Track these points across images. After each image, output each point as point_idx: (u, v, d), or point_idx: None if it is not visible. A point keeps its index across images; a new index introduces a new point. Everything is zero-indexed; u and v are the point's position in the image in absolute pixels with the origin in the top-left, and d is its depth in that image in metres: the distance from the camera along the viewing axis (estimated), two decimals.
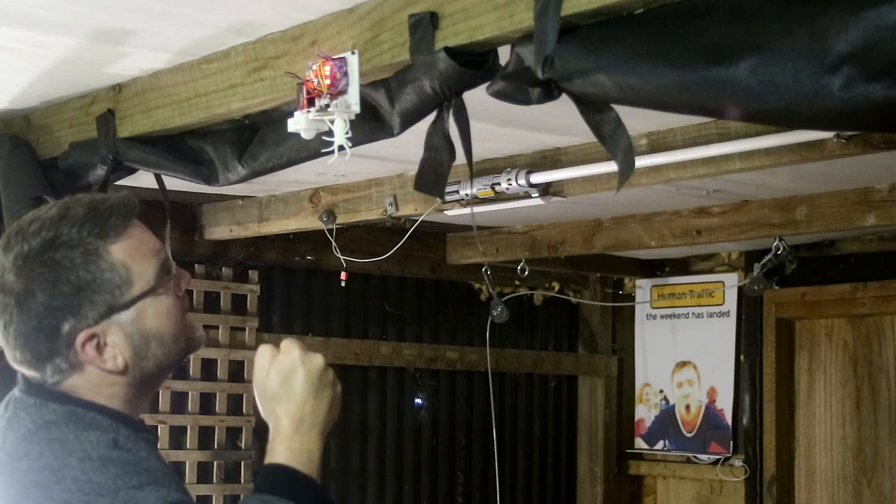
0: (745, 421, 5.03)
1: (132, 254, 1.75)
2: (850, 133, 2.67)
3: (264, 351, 1.75)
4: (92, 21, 2.27)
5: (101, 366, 1.73)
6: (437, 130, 2.02)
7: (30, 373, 1.76)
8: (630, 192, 3.52)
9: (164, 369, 1.82)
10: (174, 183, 2.89)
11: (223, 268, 4.45)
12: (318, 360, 1.74)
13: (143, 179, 2.99)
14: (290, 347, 1.73)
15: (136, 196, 1.84)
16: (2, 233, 1.81)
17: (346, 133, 1.97)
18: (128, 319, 1.73)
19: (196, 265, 4.38)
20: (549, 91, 1.82)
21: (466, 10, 1.88)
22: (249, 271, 4.50)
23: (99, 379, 1.74)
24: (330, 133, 1.98)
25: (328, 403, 1.73)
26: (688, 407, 5.28)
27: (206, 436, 4.38)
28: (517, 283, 5.13)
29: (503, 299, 5.01)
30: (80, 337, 1.71)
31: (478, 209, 3.48)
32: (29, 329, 1.71)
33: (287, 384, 1.71)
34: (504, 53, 1.90)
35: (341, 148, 1.98)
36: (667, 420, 5.36)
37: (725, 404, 5.13)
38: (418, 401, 5.03)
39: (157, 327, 1.76)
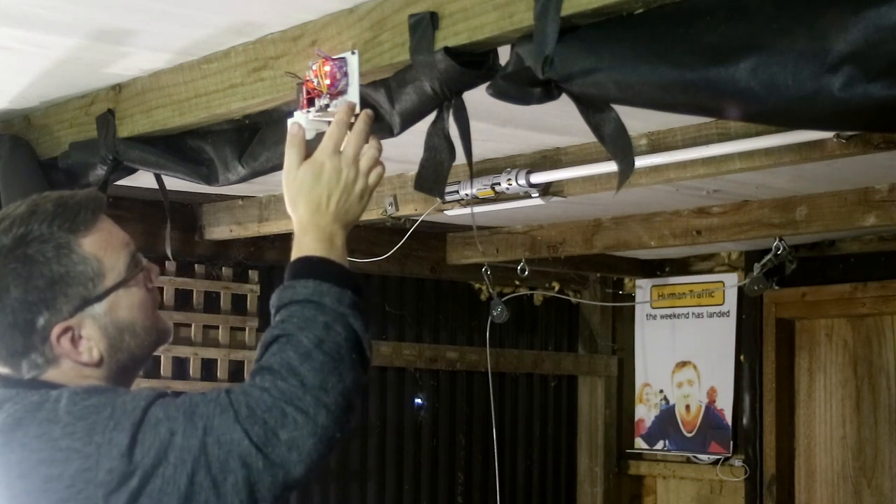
0: (745, 421, 5.03)
1: (103, 246, 1.77)
2: (850, 133, 2.67)
3: (296, 143, 1.82)
4: (92, 21, 2.27)
5: (76, 358, 1.75)
6: (437, 130, 2.02)
7: (5, 370, 1.77)
8: (630, 192, 3.52)
9: (138, 361, 1.84)
10: (174, 183, 2.89)
11: (223, 268, 4.45)
12: (347, 152, 1.81)
13: (143, 179, 2.99)
14: (326, 145, 1.81)
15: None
16: None
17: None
18: (101, 311, 1.76)
19: (196, 265, 4.38)
20: (549, 91, 1.82)
21: (466, 10, 1.88)
22: (249, 271, 4.50)
23: (74, 372, 1.76)
24: None
25: (349, 192, 1.79)
26: (688, 407, 5.28)
27: None
28: (517, 283, 5.13)
29: (503, 299, 5.01)
30: (55, 330, 1.73)
31: (478, 209, 3.48)
32: (4, 325, 1.74)
33: (312, 176, 1.79)
34: (504, 53, 1.90)
35: None
36: (667, 420, 5.36)
37: (725, 404, 5.13)
38: (418, 401, 5.03)
39: (129, 319, 1.78)
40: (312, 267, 1.74)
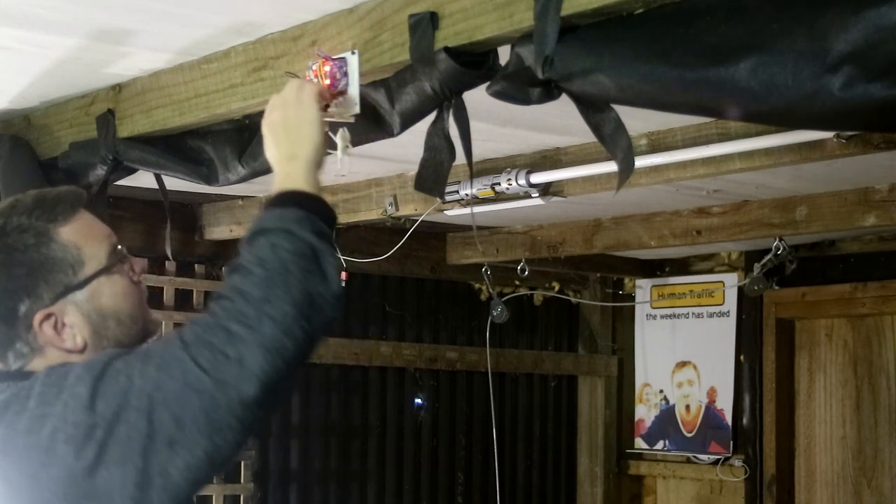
0: (745, 421, 5.03)
1: (83, 235, 1.80)
2: (850, 133, 2.67)
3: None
4: (92, 21, 2.27)
5: (60, 345, 1.77)
6: (437, 130, 2.02)
7: None
8: (630, 192, 3.52)
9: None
10: (174, 183, 2.89)
11: (223, 268, 4.44)
12: (304, 93, 1.86)
13: (143, 179, 2.99)
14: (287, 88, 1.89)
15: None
16: None
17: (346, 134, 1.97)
18: (83, 298, 1.78)
19: (196, 265, 4.38)
20: (549, 91, 1.82)
21: (466, 10, 1.88)
22: None
23: (60, 360, 1.76)
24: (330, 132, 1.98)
25: (301, 127, 1.84)
26: (688, 407, 5.28)
27: None
28: (517, 283, 5.12)
29: (503, 299, 5.00)
30: (38, 317, 1.75)
31: (478, 209, 3.48)
32: None
33: (277, 117, 1.85)
34: (504, 53, 1.90)
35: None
36: (667, 420, 5.36)
37: (725, 404, 5.13)
38: (418, 401, 5.03)
39: (113, 306, 1.80)
40: (264, 205, 1.79)
